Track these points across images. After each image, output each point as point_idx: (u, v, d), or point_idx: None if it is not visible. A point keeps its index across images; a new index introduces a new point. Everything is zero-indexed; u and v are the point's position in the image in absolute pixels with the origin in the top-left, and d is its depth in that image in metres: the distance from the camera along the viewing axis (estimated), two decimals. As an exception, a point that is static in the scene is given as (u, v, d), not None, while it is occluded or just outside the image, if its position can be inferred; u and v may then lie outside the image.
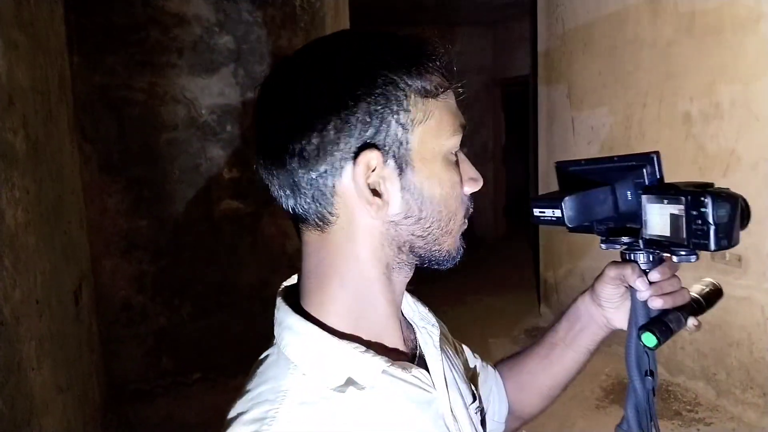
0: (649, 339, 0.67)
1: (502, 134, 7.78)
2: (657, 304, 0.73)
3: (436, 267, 0.63)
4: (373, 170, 0.56)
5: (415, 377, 0.61)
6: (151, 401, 3.59)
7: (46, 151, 2.51)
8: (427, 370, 0.65)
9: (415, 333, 0.70)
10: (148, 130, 3.41)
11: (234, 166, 3.61)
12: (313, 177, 0.56)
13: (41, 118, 2.47)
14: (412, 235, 0.59)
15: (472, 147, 7.27)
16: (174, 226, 3.53)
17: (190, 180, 3.53)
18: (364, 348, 0.58)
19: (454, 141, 0.60)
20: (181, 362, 3.65)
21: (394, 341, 0.63)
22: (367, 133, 0.55)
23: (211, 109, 3.51)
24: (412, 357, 0.66)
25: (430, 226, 0.59)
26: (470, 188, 0.63)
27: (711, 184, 0.64)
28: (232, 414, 0.57)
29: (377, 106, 0.55)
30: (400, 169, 0.57)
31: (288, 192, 0.58)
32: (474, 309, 5.00)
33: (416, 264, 0.63)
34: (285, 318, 0.63)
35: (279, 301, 0.66)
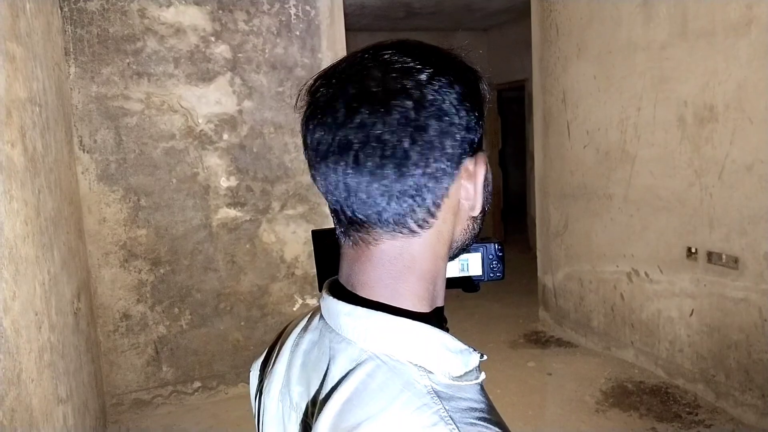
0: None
1: (499, 139, 7.80)
2: None
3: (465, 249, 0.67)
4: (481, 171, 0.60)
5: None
6: (151, 411, 3.59)
7: (44, 162, 2.52)
8: None
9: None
10: (145, 140, 3.41)
11: (231, 175, 3.61)
12: (428, 183, 0.55)
13: (39, 129, 2.48)
14: (476, 225, 0.64)
15: (469, 152, 7.26)
16: (172, 235, 3.53)
17: (187, 189, 3.53)
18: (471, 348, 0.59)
19: (484, 155, 0.63)
20: (181, 371, 3.64)
21: None
22: (473, 138, 0.58)
23: (207, 118, 3.52)
24: None
25: (477, 224, 0.64)
26: None
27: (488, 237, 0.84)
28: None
29: (481, 113, 0.59)
30: (485, 168, 0.61)
31: (379, 199, 0.54)
32: (473, 314, 5.01)
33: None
34: (379, 320, 0.57)
35: (357, 308, 0.58)
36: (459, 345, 0.57)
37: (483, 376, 0.58)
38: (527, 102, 6.57)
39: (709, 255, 3.20)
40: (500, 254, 0.85)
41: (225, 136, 3.57)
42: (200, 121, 3.51)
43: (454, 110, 0.55)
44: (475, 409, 0.53)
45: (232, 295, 3.71)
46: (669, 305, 3.53)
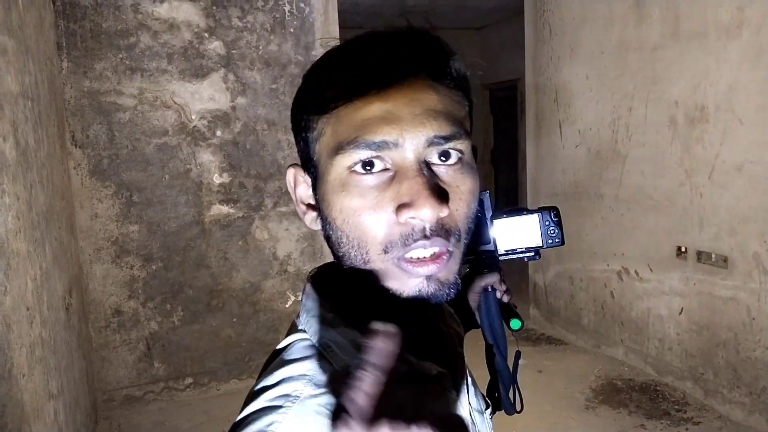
0: (516, 324, 0.87)
1: (491, 138, 7.83)
2: (506, 298, 0.92)
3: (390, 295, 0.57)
4: (298, 184, 0.61)
5: (439, 370, 0.61)
6: (142, 407, 3.58)
7: (36, 157, 2.51)
8: (453, 370, 0.65)
9: (444, 335, 0.70)
10: (138, 136, 3.40)
11: (224, 171, 3.61)
12: None
13: (31, 124, 2.47)
14: (336, 253, 0.58)
15: (462, 150, 7.30)
16: (164, 231, 3.53)
17: (180, 185, 3.52)
18: None
19: (344, 158, 0.53)
20: (173, 367, 3.64)
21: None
22: (298, 150, 0.60)
23: (201, 115, 3.51)
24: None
25: (342, 249, 0.57)
26: (401, 215, 0.52)
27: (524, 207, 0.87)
28: (256, 387, 0.57)
29: (294, 126, 0.60)
30: (314, 186, 0.59)
31: None
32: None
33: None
34: (313, 306, 0.62)
35: (308, 287, 0.64)
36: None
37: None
38: (519, 101, 6.59)
39: (699, 254, 3.23)
40: (557, 219, 0.84)
41: (218, 133, 3.56)
42: (193, 117, 3.50)
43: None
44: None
45: (224, 291, 3.70)
46: (658, 304, 3.56)
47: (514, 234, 0.84)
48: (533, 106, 4.53)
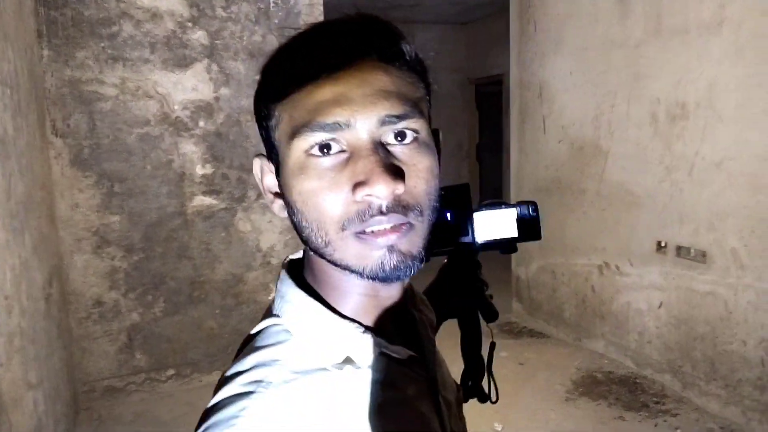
0: (490, 316, 0.91)
1: (476, 133, 7.85)
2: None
3: (356, 274, 0.57)
4: (264, 174, 0.63)
5: (411, 356, 0.62)
6: (124, 398, 3.56)
7: (15, 145, 2.48)
8: (423, 354, 0.66)
9: (415, 321, 0.70)
10: (119, 125, 3.37)
11: (207, 162, 3.59)
12: None
13: (10, 112, 2.44)
14: (301, 236, 0.59)
15: (447, 145, 7.32)
16: (146, 222, 3.50)
17: (162, 176, 3.50)
18: (363, 328, 0.60)
19: (300, 142, 0.55)
20: (155, 358, 3.62)
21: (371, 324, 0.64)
22: (263, 141, 0.61)
23: (183, 105, 3.49)
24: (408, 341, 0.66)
25: (304, 232, 0.58)
26: (357, 193, 0.53)
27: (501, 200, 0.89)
28: (229, 373, 0.57)
29: (258, 116, 0.61)
30: (277, 174, 0.60)
31: None
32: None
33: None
34: (288, 291, 0.63)
35: (283, 273, 0.65)
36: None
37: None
38: (504, 96, 6.62)
39: (678, 249, 3.28)
40: (535, 214, 0.85)
41: (201, 123, 3.54)
42: (176, 107, 3.48)
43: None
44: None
45: (206, 283, 3.69)
46: (638, 297, 3.60)
47: (493, 226, 0.85)
48: (517, 101, 4.55)
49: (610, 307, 3.85)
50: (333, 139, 0.54)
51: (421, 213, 0.56)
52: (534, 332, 4.48)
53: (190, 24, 3.43)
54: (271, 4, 3.59)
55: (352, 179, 0.53)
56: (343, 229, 0.55)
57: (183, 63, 3.45)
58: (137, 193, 3.46)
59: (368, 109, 0.54)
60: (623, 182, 3.61)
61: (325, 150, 0.54)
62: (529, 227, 0.86)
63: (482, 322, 0.95)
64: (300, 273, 0.66)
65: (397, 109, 0.54)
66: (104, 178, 3.38)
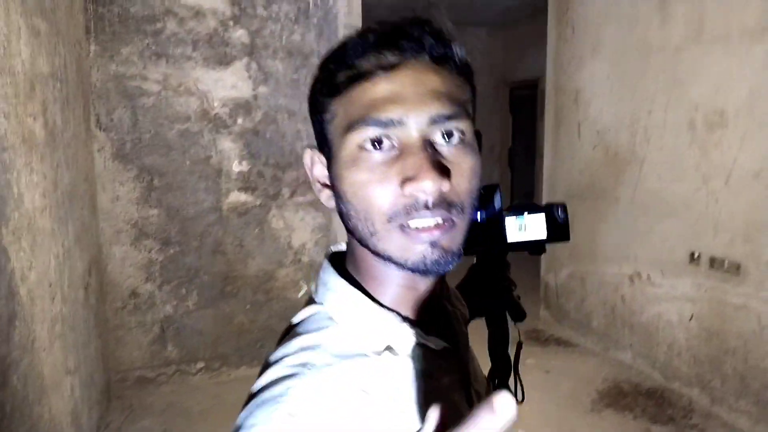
0: (519, 316, 0.94)
1: (509, 137, 7.82)
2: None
3: (400, 267, 0.60)
4: (314, 164, 0.66)
5: (444, 349, 0.65)
6: (154, 389, 3.65)
7: (62, 137, 2.57)
8: (457, 347, 0.69)
9: (449, 314, 0.73)
10: (161, 121, 3.46)
11: (244, 159, 3.66)
12: None
13: (59, 105, 2.53)
14: (347, 226, 0.62)
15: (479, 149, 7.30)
16: (183, 217, 3.58)
17: (200, 171, 3.58)
18: (401, 318, 0.63)
19: (354, 136, 0.58)
20: (186, 351, 3.70)
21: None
22: (315, 133, 0.65)
23: (223, 102, 3.56)
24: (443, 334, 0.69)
25: (351, 222, 0.61)
26: (405, 188, 0.56)
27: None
28: (274, 358, 0.61)
29: (311, 110, 0.65)
30: (328, 165, 0.63)
31: None
32: (475, 308, 5.04)
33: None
34: (330, 280, 0.66)
35: (326, 263, 0.69)
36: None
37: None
38: (539, 100, 6.58)
39: (712, 260, 3.23)
40: (564, 216, 0.87)
41: (239, 121, 3.61)
42: (216, 104, 3.55)
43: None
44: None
45: (239, 278, 3.76)
46: (669, 309, 3.56)
47: (522, 227, 0.87)
48: (553, 105, 4.53)
49: (639, 318, 3.80)
50: (386, 135, 0.57)
51: (463, 210, 0.59)
52: (561, 340, 4.45)
53: (231, 22, 3.50)
54: (311, 5, 3.65)
55: (401, 174, 0.56)
56: (390, 221, 0.58)
57: (224, 61, 3.52)
58: (175, 188, 3.54)
59: (420, 107, 0.57)
60: (658, 190, 3.57)
61: (377, 145, 0.57)
62: (559, 229, 0.87)
63: (510, 322, 0.97)
64: (342, 263, 0.69)
65: (446, 110, 0.57)
66: (144, 172, 3.47)
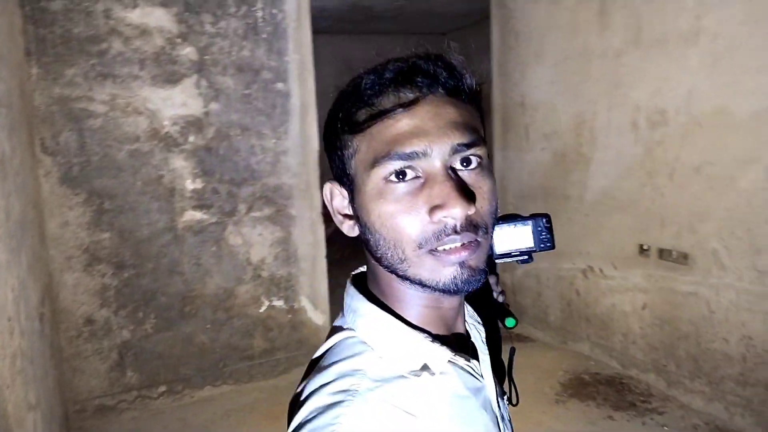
0: (510, 322, 0.95)
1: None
2: (501, 298, 1.03)
3: (431, 290, 0.63)
4: (334, 197, 0.69)
5: (471, 367, 0.68)
6: (116, 416, 3.54)
7: (12, 165, 2.47)
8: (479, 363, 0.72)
9: (468, 330, 0.77)
10: (109, 142, 3.36)
11: (197, 177, 3.60)
12: None
13: (6, 132, 2.43)
14: (374, 254, 0.65)
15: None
16: (136, 239, 3.49)
17: (153, 191, 3.50)
18: (431, 338, 0.65)
19: (379, 170, 0.60)
20: (146, 375, 3.61)
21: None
22: (332, 167, 0.68)
23: (173, 121, 3.50)
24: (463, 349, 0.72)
25: (380, 251, 0.63)
26: (434, 216, 0.59)
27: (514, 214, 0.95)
28: (313, 386, 0.62)
29: (328, 147, 0.67)
30: (351, 197, 0.66)
31: None
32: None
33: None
34: (360, 306, 0.68)
35: (352, 289, 0.71)
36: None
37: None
38: (486, 106, 6.71)
39: (661, 252, 3.39)
40: (548, 225, 0.91)
41: (191, 139, 3.55)
42: (165, 123, 3.48)
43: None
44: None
45: (197, 297, 3.69)
46: (623, 300, 3.71)
47: (510, 239, 0.90)
48: (500, 110, 4.64)
49: (594, 310, 3.94)
50: (409, 167, 0.60)
51: (486, 231, 0.63)
52: (520, 337, 4.56)
53: (179, 40, 3.45)
54: (260, 20, 3.63)
55: (429, 202, 0.60)
56: (420, 247, 0.61)
57: (172, 79, 3.46)
58: (127, 210, 3.45)
59: (442, 139, 0.60)
60: (606, 188, 3.72)
61: (401, 176, 0.60)
62: (544, 238, 0.92)
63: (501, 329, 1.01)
64: (364, 287, 0.71)
65: (466, 138, 0.61)
66: (94, 196, 3.36)
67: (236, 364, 3.80)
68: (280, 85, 3.73)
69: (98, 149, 3.34)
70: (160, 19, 3.39)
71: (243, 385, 3.82)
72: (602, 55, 3.62)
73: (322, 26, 6.10)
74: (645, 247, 3.49)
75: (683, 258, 3.25)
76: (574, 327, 4.13)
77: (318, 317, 4.03)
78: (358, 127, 0.62)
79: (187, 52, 3.48)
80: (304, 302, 3.99)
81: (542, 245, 0.91)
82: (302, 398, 0.62)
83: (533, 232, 0.90)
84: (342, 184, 0.67)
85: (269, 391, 3.79)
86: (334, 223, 0.70)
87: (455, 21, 6.69)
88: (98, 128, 3.33)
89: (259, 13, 3.62)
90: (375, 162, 0.61)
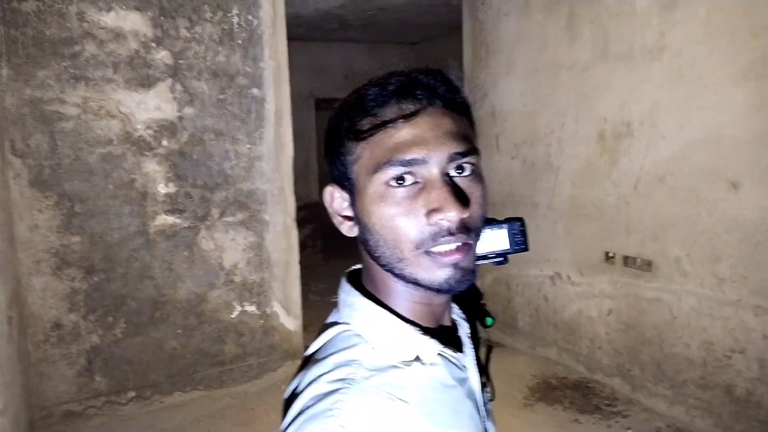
0: (489, 321, 0.97)
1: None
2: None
3: (425, 289, 0.68)
4: (334, 199, 0.73)
5: (456, 359, 0.73)
6: (83, 422, 3.49)
7: (-18, 166, 2.44)
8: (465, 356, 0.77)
9: (456, 325, 0.82)
10: (81, 145, 3.34)
11: (170, 181, 3.59)
12: None
13: (-22, 133, 2.41)
14: (373, 254, 0.69)
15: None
16: (107, 243, 3.46)
17: (124, 195, 3.48)
18: (422, 330, 0.70)
19: (381, 175, 0.65)
20: (115, 381, 3.57)
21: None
22: (332, 171, 0.72)
23: (147, 124, 3.48)
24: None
25: (379, 250, 0.68)
26: (431, 218, 0.64)
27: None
28: (311, 376, 0.66)
29: (330, 152, 0.72)
30: (351, 200, 0.71)
31: None
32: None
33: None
34: (355, 301, 0.73)
35: (348, 286, 0.76)
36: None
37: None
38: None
39: (626, 259, 3.49)
40: (522, 229, 0.94)
41: (164, 143, 3.54)
42: (139, 126, 3.47)
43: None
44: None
45: (168, 303, 3.67)
46: (589, 305, 3.81)
47: (487, 242, 0.94)
48: (471, 119, 4.72)
49: (562, 316, 4.04)
50: (409, 173, 0.65)
51: (477, 234, 0.69)
52: (490, 342, 4.63)
53: (153, 44, 3.44)
54: (235, 26, 3.64)
55: (427, 206, 0.64)
56: (418, 248, 0.65)
57: (146, 83, 3.45)
58: (98, 214, 3.42)
59: (440, 148, 0.65)
60: (573, 196, 3.82)
61: (401, 181, 0.65)
62: (519, 240, 0.96)
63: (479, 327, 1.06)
64: (358, 283, 0.76)
65: (461, 147, 0.66)
66: (65, 199, 3.33)
67: (207, 370, 3.78)
68: (255, 91, 3.75)
69: (70, 152, 3.31)
70: (135, 22, 3.38)
71: (214, 391, 3.80)
72: (570, 67, 3.73)
73: (296, 33, 6.12)
74: (610, 255, 3.59)
75: (647, 265, 3.36)
76: (543, 332, 4.22)
77: (290, 323, 4.04)
78: (362, 135, 0.67)
79: (162, 56, 3.47)
80: (277, 308, 3.99)
81: (517, 247, 0.94)
82: (301, 388, 0.66)
83: (509, 235, 0.94)
84: (342, 187, 0.72)
85: (240, 396, 3.78)
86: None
87: (427, 31, 6.78)
88: (70, 131, 3.30)
89: (235, 19, 3.64)
90: (377, 168, 0.65)
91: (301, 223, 4.23)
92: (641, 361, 3.47)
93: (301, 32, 6.14)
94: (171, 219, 3.62)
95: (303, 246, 4.04)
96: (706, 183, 3.01)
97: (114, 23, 3.33)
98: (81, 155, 3.34)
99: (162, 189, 3.57)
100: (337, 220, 0.74)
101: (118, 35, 3.35)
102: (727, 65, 2.85)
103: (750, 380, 2.89)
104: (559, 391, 3.72)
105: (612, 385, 3.68)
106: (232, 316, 3.86)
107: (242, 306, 3.88)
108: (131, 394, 3.62)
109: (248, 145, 3.75)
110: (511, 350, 4.44)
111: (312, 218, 6.89)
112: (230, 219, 3.78)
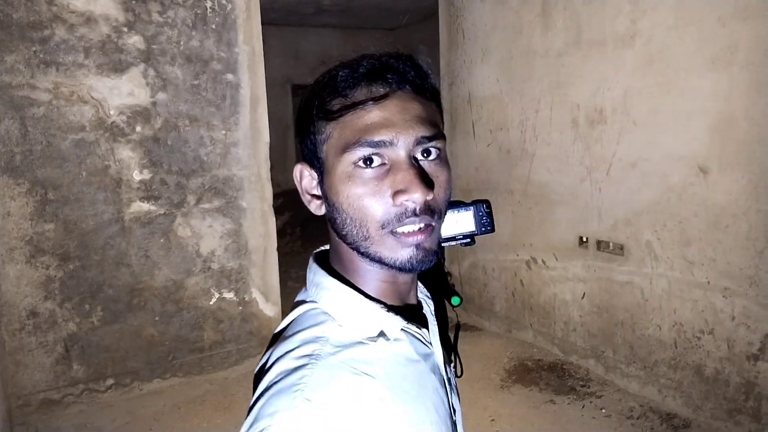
0: (456, 300, 1.00)
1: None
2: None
3: (388, 267, 0.70)
4: (303, 177, 0.75)
5: (420, 334, 0.76)
6: (62, 410, 3.48)
7: (-49, 154, 2.41)
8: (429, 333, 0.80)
9: (421, 303, 0.84)
10: (53, 131, 3.29)
11: (145, 168, 3.56)
12: None
13: (-54, 119, 2.37)
14: (340, 232, 0.71)
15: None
16: (82, 230, 3.43)
17: (98, 182, 3.44)
18: (387, 308, 0.72)
19: (350, 155, 0.66)
20: (93, 369, 3.55)
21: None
22: (303, 150, 0.73)
23: (120, 110, 3.45)
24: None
25: (345, 229, 0.69)
26: (397, 199, 0.66)
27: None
28: (278, 353, 0.68)
29: (301, 131, 0.73)
30: (320, 179, 0.73)
31: None
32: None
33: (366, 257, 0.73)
34: (322, 280, 0.75)
35: (315, 266, 0.78)
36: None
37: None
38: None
39: (599, 243, 3.55)
40: (488, 210, 0.96)
41: (138, 129, 3.51)
42: (112, 112, 3.43)
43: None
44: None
45: (146, 290, 3.65)
46: (563, 289, 3.87)
47: (454, 224, 0.96)
48: (448, 107, 4.75)
49: (537, 299, 4.10)
50: (377, 154, 0.67)
51: (440, 216, 0.71)
52: (468, 326, 4.69)
53: (125, 29, 3.40)
54: (208, 10, 3.61)
55: (393, 187, 0.66)
56: (383, 227, 0.67)
57: (119, 68, 3.41)
58: (72, 201, 3.39)
59: (408, 131, 0.67)
60: (548, 182, 3.87)
61: (368, 162, 0.67)
62: (485, 222, 0.98)
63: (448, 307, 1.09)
64: (326, 263, 0.78)
65: (428, 132, 0.68)
66: (38, 185, 3.29)
67: (186, 357, 3.78)
68: (229, 76, 3.72)
69: (41, 138, 3.27)
70: (105, 6, 3.33)
71: (193, 378, 3.81)
72: (545, 54, 3.76)
73: (272, 18, 6.07)
74: (584, 239, 3.65)
75: (619, 249, 3.42)
76: (519, 316, 4.28)
77: (269, 309, 4.05)
78: (332, 115, 0.68)
79: (134, 40, 3.43)
80: (255, 294, 4.00)
81: (483, 228, 0.97)
82: (269, 365, 0.67)
83: (474, 217, 0.96)
84: (312, 166, 0.73)
85: (220, 383, 3.79)
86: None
87: (402, 16, 6.77)
88: (41, 117, 3.25)
89: (208, 3, 3.60)
90: (346, 148, 0.67)
91: (279, 210, 4.23)
92: (614, 343, 3.54)
93: (276, 17, 6.09)
94: (146, 206, 3.60)
95: (282, 233, 4.04)
96: (676, 168, 3.06)
97: (84, 7, 3.28)
98: (53, 141, 3.30)
99: (137, 176, 3.54)
100: (305, 198, 0.76)
101: (89, 19, 3.30)
102: (696, 52, 2.90)
103: (719, 360, 2.97)
104: (535, 372, 3.79)
105: (586, 367, 3.76)
106: (211, 302, 3.86)
107: (220, 293, 3.88)
108: (110, 381, 3.61)
109: (224, 131, 3.73)
110: (488, 333, 4.51)
111: (290, 205, 6.88)
112: (207, 206, 3.77)
